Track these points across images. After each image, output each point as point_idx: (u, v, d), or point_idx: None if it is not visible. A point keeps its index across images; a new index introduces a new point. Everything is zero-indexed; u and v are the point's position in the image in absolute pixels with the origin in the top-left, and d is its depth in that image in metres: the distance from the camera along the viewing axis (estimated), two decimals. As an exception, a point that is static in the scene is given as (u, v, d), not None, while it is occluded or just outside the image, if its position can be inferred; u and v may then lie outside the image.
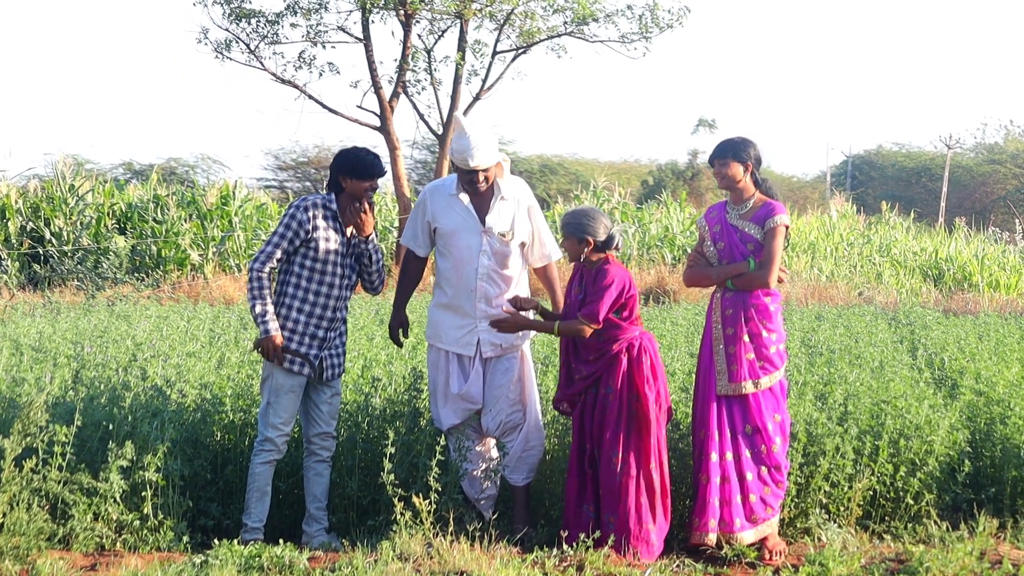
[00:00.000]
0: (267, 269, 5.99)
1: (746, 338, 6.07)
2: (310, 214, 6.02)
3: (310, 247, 6.04)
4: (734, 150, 6.15)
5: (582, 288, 6.14)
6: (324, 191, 6.21)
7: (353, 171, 6.06)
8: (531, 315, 6.24)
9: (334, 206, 6.09)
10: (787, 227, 6.11)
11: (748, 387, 6.06)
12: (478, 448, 6.39)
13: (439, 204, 6.34)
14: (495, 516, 6.18)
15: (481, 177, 6.17)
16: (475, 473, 6.34)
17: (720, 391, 6.10)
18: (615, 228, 6.12)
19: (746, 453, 6.05)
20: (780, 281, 6.15)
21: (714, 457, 6.03)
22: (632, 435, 6.02)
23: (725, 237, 6.19)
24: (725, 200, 6.32)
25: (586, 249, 6.08)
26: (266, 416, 6.07)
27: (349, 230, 6.15)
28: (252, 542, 5.79)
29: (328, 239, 6.06)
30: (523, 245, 6.40)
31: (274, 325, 5.97)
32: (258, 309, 5.97)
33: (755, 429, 6.05)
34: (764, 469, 6.05)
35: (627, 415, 6.02)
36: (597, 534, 5.88)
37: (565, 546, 5.87)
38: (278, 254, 6.00)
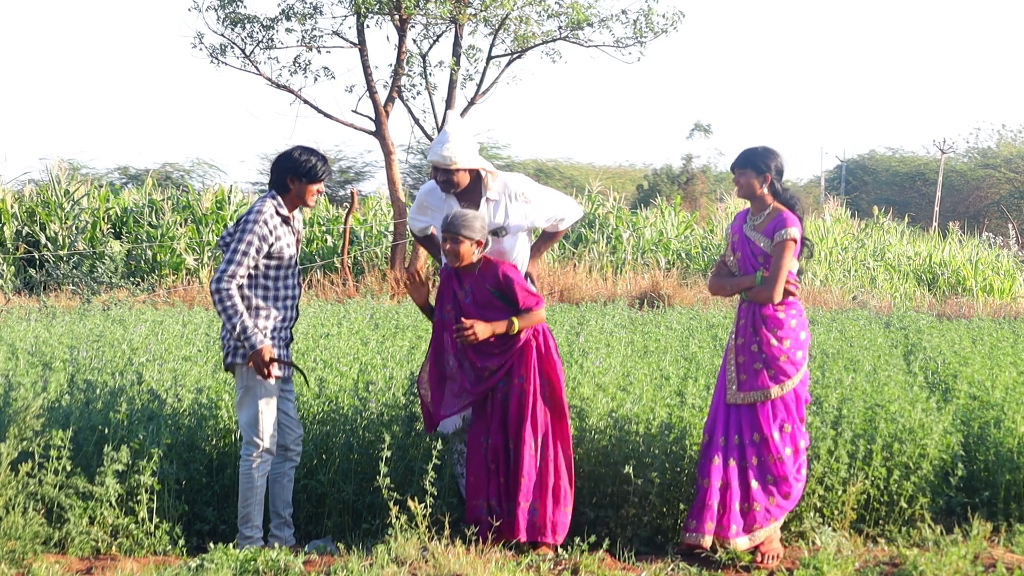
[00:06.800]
0: (234, 285, 5.86)
1: (755, 347, 6.07)
2: (271, 224, 5.93)
3: (272, 256, 5.96)
4: (753, 160, 6.15)
5: (466, 291, 6.11)
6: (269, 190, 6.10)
7: (306, 175, 5.99)
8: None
9: (284, 210, 6.03)
10: (796, 240, 6.08)
11: (756, 396, 6.05)
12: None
13: (434, 206, 6.42)
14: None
15: (442, 176, 6.21)
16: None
17: (729, 400, 6.10)
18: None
19: (754, 461, 6.04)
20: (791, 294, 6.13)
21: (716, 461, 6.03)
22: (552, 421, 6.09)
23: (741, 247, 6.20)
24: (748, 208, 6.32)
25: (476, 249, 6.07)
26: (257, 426, 5.93)
27: (296, 227, 6.12)
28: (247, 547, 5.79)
29: (289, 244, 6.02)
30: (528, 230, 6.44)
31: (261, 337, 5.85)
32: (239, 325, 5.81)
33: (763, 438, 6.05)
34: (770, 479, 6.04)
35: (543, 401, 6.08)
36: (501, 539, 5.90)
37: (560, 550, 5.89)
38: (243, 271, 5.88)
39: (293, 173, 6.00)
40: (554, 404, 6.11)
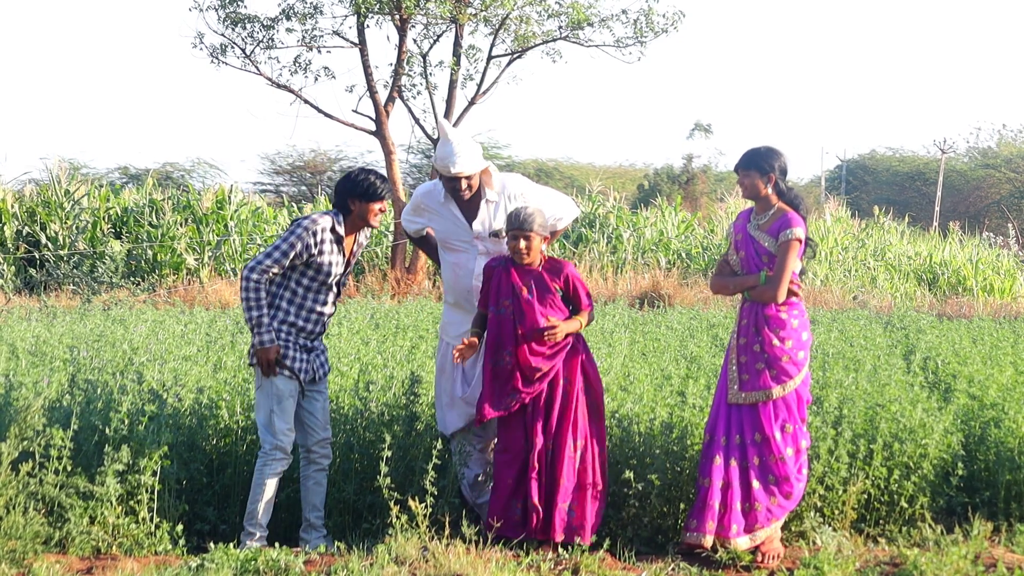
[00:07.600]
0: (264, 279, 5.95)
1: (756, 348, 6.06)
2: (318, 238, 6.00)
3: (310, 267, 6.03)
4: (757, 161, 6.13)
5: (530, 287, 6.11)
6: (329, 209, 6.21)
7: (364, 194, 6.06)
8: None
9: (341, 229, 6.09)
10: (801, 240, 6.06)
11: (758, 396, 6.04)
12: (480, 453, 6.41)
13: (431, 208, 6.45)
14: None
15: (464, 184, 6.25)
16: (477, 478, 6.38)
17: (730, 400, 6.09)
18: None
19: (755, 461, 6.03)
20: (794, 294, 6.12)
21: (718, 461, 6.03)
22: (590, 423, 6.11)
23: (744, 247, 6.19)
24: (752, 207, 6.31)
25: (544, 245, 6.13)
26: (271, 424, 5.98)
27: (348, 249, 6.17)
28: (247, 546, 5.79)
29: (332, 263, 6.06)
30: None
31: (270, 336, 5.93)
32: (255, 319, 5.92)
33: (764, 438, 6.05)
34: (772, 479, 6.04)
35: (586, 404, 6.10)
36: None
37: (561, 549, 5.89)
38: (276, 268, 5.97)
39: (352, 194, 6.08)
40: (594, 406, 6.14)
